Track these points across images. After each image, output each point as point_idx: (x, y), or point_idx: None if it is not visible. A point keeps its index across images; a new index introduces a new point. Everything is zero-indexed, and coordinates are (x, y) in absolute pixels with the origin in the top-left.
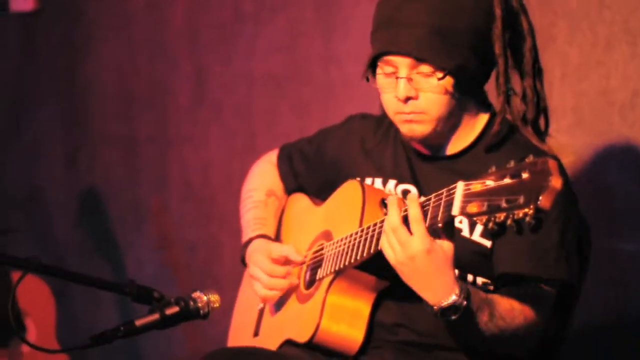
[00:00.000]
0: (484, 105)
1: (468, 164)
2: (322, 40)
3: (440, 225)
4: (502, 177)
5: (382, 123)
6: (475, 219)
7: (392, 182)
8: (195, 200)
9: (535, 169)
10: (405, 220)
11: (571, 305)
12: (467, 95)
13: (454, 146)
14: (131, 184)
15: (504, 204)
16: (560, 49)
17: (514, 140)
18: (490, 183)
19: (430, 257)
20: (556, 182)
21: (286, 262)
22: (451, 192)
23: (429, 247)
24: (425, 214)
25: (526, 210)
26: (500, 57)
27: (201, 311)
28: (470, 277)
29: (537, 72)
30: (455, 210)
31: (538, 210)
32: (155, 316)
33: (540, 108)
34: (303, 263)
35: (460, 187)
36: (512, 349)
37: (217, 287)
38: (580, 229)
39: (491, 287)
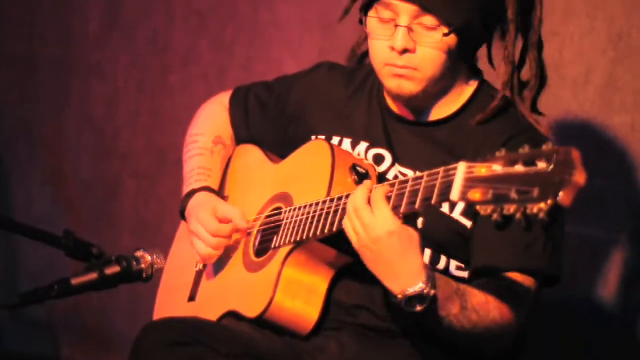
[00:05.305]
0: (473, 71)
1: (450, 135)
2: None
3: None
4: (513, 163)
5: (354, 76)
6: (477, 207)
7: (363, 145)
8: (95, 134)
9: (556, 158)
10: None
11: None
12: (462, 58)
13: (437, 112)
14: (25, 108)
15: (513, 195)
16: None
17: (506, 115)
18: (497, 168)
19: (392, 239)
20: (580, 176)
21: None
22: (450, 172)
23: (392, 229)
24: (414, 193)
25: (541, 205)
26: (512, 22)
27: (144, 273)
28: (443, 259)
29: (540, 45)
30: (455, 194)
31: (556, 207)
32: (93, 275)
33: (542, 83)
34: (249, 229)
35: (461, 168)
36: (485, 345)
37: (111, 230)
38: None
39: (464, 273)
